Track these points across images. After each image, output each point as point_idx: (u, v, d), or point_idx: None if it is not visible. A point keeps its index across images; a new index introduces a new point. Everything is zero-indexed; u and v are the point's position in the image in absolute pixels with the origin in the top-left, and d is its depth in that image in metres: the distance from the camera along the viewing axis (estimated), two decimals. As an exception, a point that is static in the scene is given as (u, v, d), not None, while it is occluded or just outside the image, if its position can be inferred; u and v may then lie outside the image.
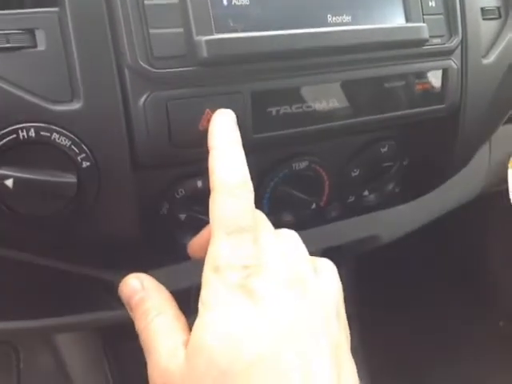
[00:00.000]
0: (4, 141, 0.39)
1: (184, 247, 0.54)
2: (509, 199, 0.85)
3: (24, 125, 0.39)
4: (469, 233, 1.01)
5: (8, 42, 0.39)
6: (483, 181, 0.82)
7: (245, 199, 0.39)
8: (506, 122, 0.77)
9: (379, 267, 0.98)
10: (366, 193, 0.65)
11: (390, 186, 0.67)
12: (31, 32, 0.40)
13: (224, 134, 0.42)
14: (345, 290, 0.42)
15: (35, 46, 0.40)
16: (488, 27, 0.64)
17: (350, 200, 0.65)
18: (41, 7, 0.41)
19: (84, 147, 0.41)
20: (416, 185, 0.69)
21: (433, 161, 0.67)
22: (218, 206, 0.38)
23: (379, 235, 0.75)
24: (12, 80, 0.39)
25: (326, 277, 0.40)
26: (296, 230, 0.62)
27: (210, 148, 0.41)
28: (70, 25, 0.40)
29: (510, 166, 0.85)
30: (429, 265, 0.97)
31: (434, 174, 0.69)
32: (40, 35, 0.40)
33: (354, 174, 0.63)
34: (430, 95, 0.57)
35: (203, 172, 0.51)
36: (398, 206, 0.72)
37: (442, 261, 0.96)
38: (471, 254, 0.93)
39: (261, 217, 0.42)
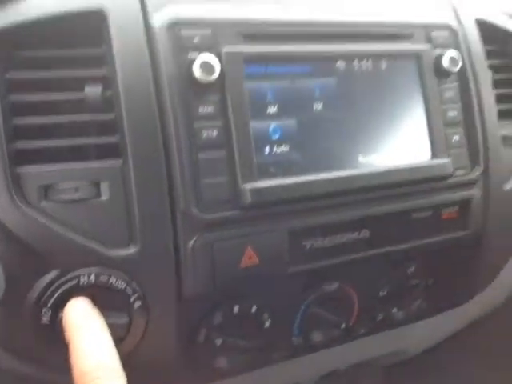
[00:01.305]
0: (65, 287, 0.42)
1: (218, 370, 0.56)
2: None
3: (85, 270, 0.43)
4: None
5: (76, 194, 0.44)
6: (509, 290, 0.83)
7: None
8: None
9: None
10: (395, 310, 0.67)
11: (418, 303, 0.68)
12: (97, 184, 0.44)
13: (75, 325, 0.40)
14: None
15: (99, 196, 0.44)
16: (510, 153, 0.68)
17: (378, 318, 0.66)
18: (106, 158, 0.45)
19: (137, 288, 0.44)
20: (443, 301, 0.71)
21: (458, 279, 0.68)
22: None
23: (406, 349, 0.76)
24: (76, 228, 0.43)
25: None
26: (324, 347, 0.64)
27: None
28: (132, 176, 0.45)
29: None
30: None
31: (459, 291, 0.70)
32: (104, 186, 0.45)
33: (382, 294, 0.65)
34: (454, 223, 0.60)
35: (239, 298, 0.54)
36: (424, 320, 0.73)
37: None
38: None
39: None
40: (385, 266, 0.64)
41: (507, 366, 0.85)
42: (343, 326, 0.63)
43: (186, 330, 0.52)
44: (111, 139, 0.45)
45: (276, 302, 0.57)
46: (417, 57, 0.56)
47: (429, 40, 0.57)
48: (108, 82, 0.45)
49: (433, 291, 0.69)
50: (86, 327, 0.39)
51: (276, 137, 0.50)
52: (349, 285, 0.61)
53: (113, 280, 0.44)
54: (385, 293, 0.65)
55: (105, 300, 0.44)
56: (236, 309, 0.54)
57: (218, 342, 0.55)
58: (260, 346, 0.57)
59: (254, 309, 0.55)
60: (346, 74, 0.53)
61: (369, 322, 0.66)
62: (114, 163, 0.45)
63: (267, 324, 0.57)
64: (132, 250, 0.44)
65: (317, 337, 0.62)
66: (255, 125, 0.49)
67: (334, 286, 0.60)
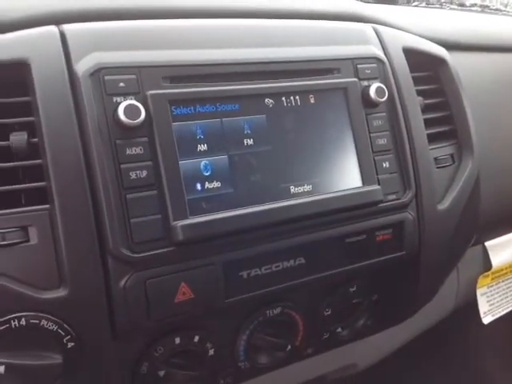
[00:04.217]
0: (-3, 331, 0.43)
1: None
2: (480, 318, 0.88)
3: (16, 315, 0.44)
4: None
5: (4, 240, 0.44)
6: (453, 302, 0.86)
7: None
8: (472, 244, 0.82)
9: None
10: (340, 329, 0.69)
11: (362, 321, 0.70)
12: (25, 229, 0.45)
13: None
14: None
15: (28, 241, 0.45)
16: (442, 174, 0.70)
17: (324, 337, 0.68)
18: (34, 204, 0.46)
19: (69, 329, 0.45)
20: (387, 317, 0.73)
21: (400, 296, 0.71)
22: None
23: (356, 363, 0.78)
24: (5, 273, 0.44)
25: None
26: (272, 369, 0.66)
27: None
28: (59, 220, 0.46)
29: (478, 286, 0.89)
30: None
31: (403, 307, 0.73)
32: (32, 231, 0.46)
33: (326, 314, 0.67)
34: (389, 245, 0.63)
35: (180, 329, 0.56)
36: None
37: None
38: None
39: None
40: (327, 288, 0.66)
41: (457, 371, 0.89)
42: (289, 347, 0.64)
43: (128, 365, 0.53)
44: (38, 185, 0.46)
45: (218, 331, 0.59)
46: (344, 90, 0.58)
47: (356, 72, 0.60)
48: (34, 129, 0.46)
49: (376, 309, 0.71)
50: None
51: (207, 173, 0.52)
52: (292, 308, 0.63)
53: (44, 323, 0.44)
54: (329, 313, 0.67)
55: (38, 341, 0.45)
56: (178, 340, 0.55)
57: (161, 373, 0.56)
58: (205, 374, 0.59)
59: (196, 339, 0.57)
60: (274, 110, 0.55)
61: (315, 342, 0.68)
62: (41, 208, 0.46)
63: (211, 352, 0.58)
64: (62, 292, 0.45)
65: (263, 360, 0.64)
66: (185, 163, 0.50)
67: (277, 310, 0.62)
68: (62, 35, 0.49)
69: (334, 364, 0.75)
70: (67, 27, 0.50)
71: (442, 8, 1.18)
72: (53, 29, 0.49)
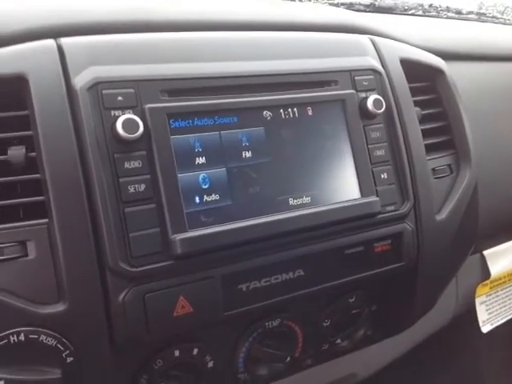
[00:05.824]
0: (-4, 346, 0.43)
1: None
2: (479, 328, 0.88)
3: (14, 330, 0.43)
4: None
5: (2, 255, 0.44)
6: (452, 311, 0.86)
7: None
8: (471, 253, 0.82)
9: None
10: (339, 340, 0.69)
11: (362, 332, 0.70)
12: (23, 244, 0.45)
13: None
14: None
15: (26, 255, 0.45)
16: (440, 184, 0.71)
17: (323, 348, 0.68)
18: (33, 218, 0.46)
19: (68, 344, 0.45)
20: (386, 327, 0.73)
21: (399, 306, 0.71)
22: None
23: (356, 373, 0.78)
24: (4, 288, 0.44)
25: None
26: (271, 381, 0.66)
27: None
28: (58, 235, 0.46)
29: (476, 295, 0.89)
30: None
31: (402, 316, 0.73)
32: (31, 246, 0.45)
33: (325, 325, 0.67)
34: (388, 256, 0.63)
35: (179, 342, 0.55)
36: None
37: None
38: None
39: None
40: (326, 299, 0.66)
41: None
42: (288, 359, 0.64)
43: (127, 378, 0.53)
44: (36, 199, 0.46)
45: (218, 343, 0.59)
46: (342, 102, 0.58)
47: (353, 84, 0.60)
48: (32, 143, 0.46)
49: (376, 319, 0.71)
50: None
51: (206, 186, 0.52)
52: (291, 319, 0.63)
53: (43, 338, 0.44)
54: (328, 323, 0.67)
55: (37, 356, 0.45)
56: (177, 353, 0.55)
57: (160, 386, 0.56)
58: (204, 386, 0.59)
59: (195, 351, 0.57)
60: (272, 123, 0.55)
61: (314, 353, 0.68)
62: (40, 222, 0.46)
63: (210, 364, 0.58)
64: (61, 307, 0.45)
65: (262, 372, 0.64)
66: (184, 176, 0.50)
67: (276, 322, 0.62)
68: (60, 49, 0.49)
69: (333, 374, 0.75)
70: (65, 41, 0.50)
71: (438, 16, 1.19)
72: (51, 42, 0.50)
